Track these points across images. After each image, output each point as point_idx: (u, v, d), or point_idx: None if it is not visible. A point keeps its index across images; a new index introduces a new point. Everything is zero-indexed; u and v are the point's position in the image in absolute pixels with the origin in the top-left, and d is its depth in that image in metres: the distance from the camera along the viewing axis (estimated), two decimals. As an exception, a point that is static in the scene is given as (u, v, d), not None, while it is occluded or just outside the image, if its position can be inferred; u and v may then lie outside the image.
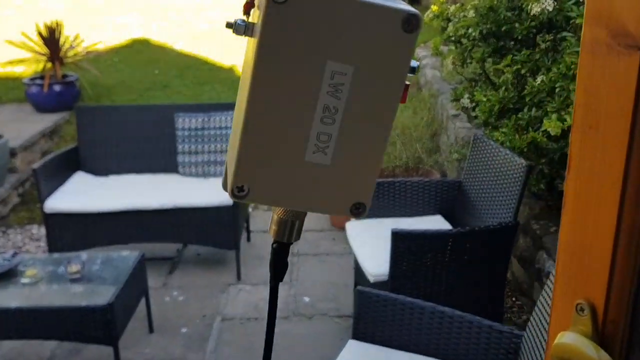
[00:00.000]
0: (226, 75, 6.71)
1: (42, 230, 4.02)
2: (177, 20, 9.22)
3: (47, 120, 5.28)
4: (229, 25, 0.47)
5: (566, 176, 0.48)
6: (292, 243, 0.51)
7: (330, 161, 0.45)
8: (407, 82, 0.45)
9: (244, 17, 0.48)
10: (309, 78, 0.43)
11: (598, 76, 0.43)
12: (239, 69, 6.85)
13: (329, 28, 0.42)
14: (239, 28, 0.46)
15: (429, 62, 5.80)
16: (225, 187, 0.50)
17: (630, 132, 0.42)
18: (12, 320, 2.51)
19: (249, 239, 4.03)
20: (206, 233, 3.49)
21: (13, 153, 4.65)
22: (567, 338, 0.46)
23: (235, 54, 7.42)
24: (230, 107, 3.88)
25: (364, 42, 0.42)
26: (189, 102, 5.86)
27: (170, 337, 3.01)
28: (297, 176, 0.45)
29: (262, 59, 0.42)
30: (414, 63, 0.45)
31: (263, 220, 4.31)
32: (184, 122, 3.79)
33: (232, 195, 0.46)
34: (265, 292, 3.45)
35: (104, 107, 4.76)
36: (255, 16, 0.45)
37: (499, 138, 2.66)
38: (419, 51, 6.87)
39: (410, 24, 0.42)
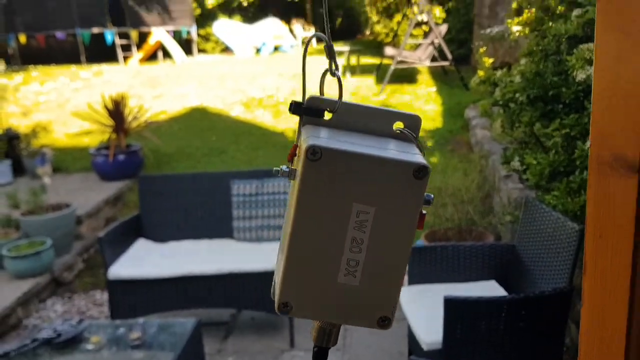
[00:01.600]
0: (278, 139, 6.93)
1: (105, 296, 4.18)
2: (232, 88, 9.67)
3: (111, 188, 5.58)
4: (275, 171, 0.57)
5: (583, 276, 0.52)
6: (330, 347, 0.58)
7: (359, 282, 0.53)
8: (424, 212, 0.52)
9: (289, 165, 0.57)
10: (339, 216, 0.52)
11: (603, 192, 0.48)
12: (289, 133, 7.07)
13: (354, 178, 0.51)
14: (284, 173, 0.56)
15: (479, 122, 5.82)
16: (273, 295, 0.57)
17: (633, 242, 0.46)
18: (76, 386, 2.60)
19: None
20: (260, 298, 3.55)
21: (79, 221, 4.92)
22: None
23: (286, 119, 7.69)
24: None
25: (383, 188, 0.51)
26: (244, 166, 6.08)
27: (225, 404, 3.04)
28: (331, 295, 0.53)
29: (301, 202, 0.51)
30: (428, 197, 0.52)
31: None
32: (239, 189, 3.94)
33: (279, 309, 0.53)
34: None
35: (164, 176, 4.99)
36: (296, 163, 0.54)
37: (551, 201, 2.64)
38: (469, 111, 6.91)
39: (420, 172, 0.51)
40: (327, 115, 0.59)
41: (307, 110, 0.57)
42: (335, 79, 0.59)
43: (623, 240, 0.47)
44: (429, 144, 6.60)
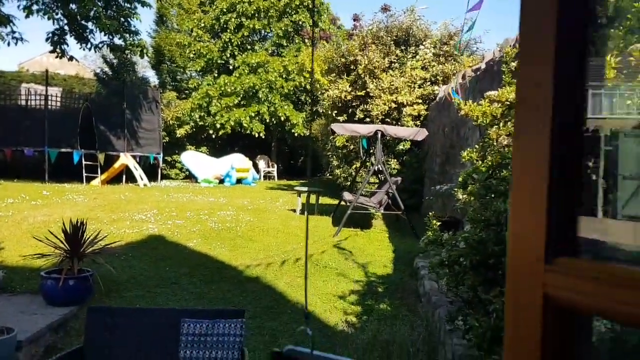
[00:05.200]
0: (232, 273, 6.97)
1: None
2: (192, 218, 9.80)
3: (56, 314, 5.41)
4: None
5: None
6: None
7: None
8: None
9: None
10: None
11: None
12: (244, 268, 7.14)
13: None
14: None
15: (427, 273, 6.05)
16: None
17: None
18: None
19: None
20: None
21: (19, 347, 4.71)
22: None
23: (242, 254, 7.78)
24: (235, 314, 4.04)
25: None
26: (195, 300, 6.03)
27: None
28: None
29: None
30: None
31: None
32: (189, 328, 3.93)
33: None
34: None
35: (114, 308, 4.92)
36: None
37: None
38: (418, 260, 7.19)
39: None
40: None
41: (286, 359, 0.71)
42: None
43: None
44: (380, 289, 6.76)
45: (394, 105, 12.09)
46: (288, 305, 6.34)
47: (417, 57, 12.58)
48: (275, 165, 22.43)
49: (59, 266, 5.88)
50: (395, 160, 12.49)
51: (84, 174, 14.99)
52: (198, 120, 20.89)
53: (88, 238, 6.04)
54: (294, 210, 11.47)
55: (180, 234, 8.56)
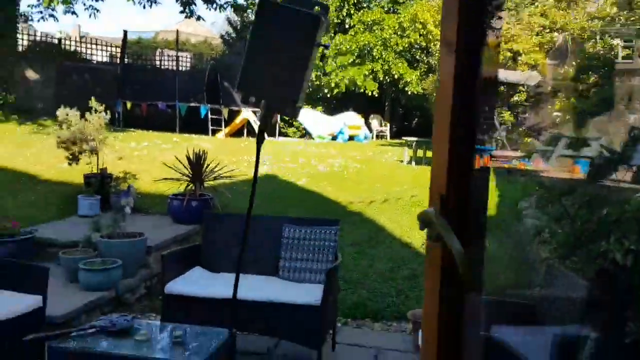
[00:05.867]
0: (336, 208, 7.38)
1: (159, 320, 4.61)
2: (303, 163, 10.35)
3: (181, 230, 6.17)
4: None
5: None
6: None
7: None
8: None
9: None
10: None
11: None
12: (347, 203, 7.51)
13: None
14: None
15: (530, 212, 6.02)
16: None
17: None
18: (122, 366, 2.99)
19: (333, 349, 4.30)
20: (294, 329, 3.86)
21: (148, 251, 5.47)
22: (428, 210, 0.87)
23: (347, 192, 8.16)
24: (331, 223, 4.42)
25: None
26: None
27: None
28: None
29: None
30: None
31: (349, 335, 4.59)
32: (290, 232, 4.37)
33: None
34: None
35: (226, 214, 5.53)
36: None
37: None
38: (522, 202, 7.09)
39: None
40: None
41: None
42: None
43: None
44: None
45: (508, 54, 11.69)
46: (387, 237, 6.63)
47: (536, 3, 12.01)
48: (388, 125, 22.53)
49: (184, 191, 6.64)
50: (509, 112, 12.13)
51: (210, 127, 16.17)
52: (314, 79, 21.50)
53: (209, 167, 6.72)
54: (402, 161, 11.64)
55: (291, 174, 9.12)
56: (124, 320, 3.35)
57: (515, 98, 11.98)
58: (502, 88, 10.09)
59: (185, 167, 6.58)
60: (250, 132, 17.23)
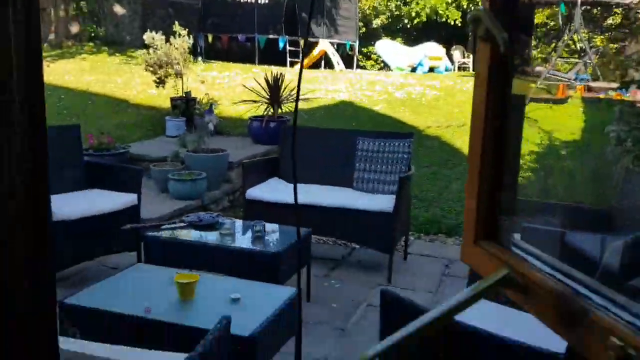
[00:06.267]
0: (411, 131, 7.37)
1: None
2: (380, 90, 10.30)
3: (261, 149, 6.42)
4: None
5: None
6: None
7: None
8: None
9: None
10: None
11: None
12: (424, 127, 7.48)
13: None
14: None
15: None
16: None
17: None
18: (209, 254, 3.28)
19: (405, 258, 4.45)
20: (367, 235, 4.02)
21: (230, 167, 5.77)
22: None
23: (424, 117, 8.09)
24: (405, 136, 4.47)
25: None
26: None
27: (321, 307, 3.54)
28: None
29: None
30: None
31: (422, 248, 4.71)
32: (364, 144, 4.46)
33: None
34: (409, 296, 3.82)
35: (304, 128, 5.68)
36: None
37: None
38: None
39: None
40: None
41: None
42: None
43: None
44: (562, 152, 6.60)
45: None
46: (463, 159, 6.59)
47: None
48: (471, 57, 21.67)
49: (263, 114, 6.85)
50: (602, 36, 11.31)
51: (288, 59, 16.29)
52: (394, 9, 20.90)
53: (286, 90, 6.87)
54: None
55: (368, 101, 9.13)
56: (210, 217, 3.64)
57: (609, 21, 11.12)
58: (595, 11, 9.41)
59: (264, 89, 6.76)
60: (328, 64, 17.20)
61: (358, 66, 19.67)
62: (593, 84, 9.09)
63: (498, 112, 0.87)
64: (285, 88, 6.78)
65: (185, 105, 7.09)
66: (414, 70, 18.30)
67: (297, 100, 0.96)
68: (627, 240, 2.87)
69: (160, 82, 7.30)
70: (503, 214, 0.90)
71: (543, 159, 6.11)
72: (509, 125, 0.89)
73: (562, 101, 9.86)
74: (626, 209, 3.08)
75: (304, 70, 15.84)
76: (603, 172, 4.59)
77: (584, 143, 6.95)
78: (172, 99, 7.34)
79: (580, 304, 0.64)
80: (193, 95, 7.60)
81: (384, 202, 4.06)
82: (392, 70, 18.25)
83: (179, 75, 7.23)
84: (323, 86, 10.57)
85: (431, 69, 18.38)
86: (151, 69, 7.23)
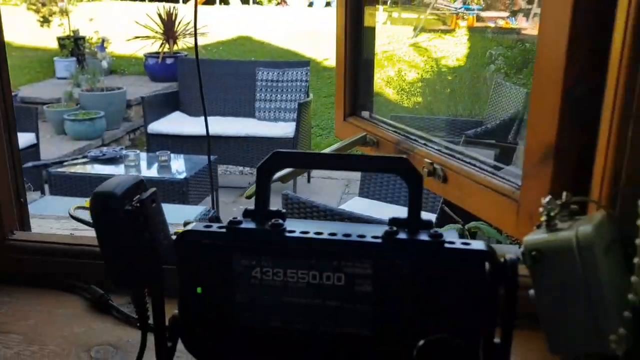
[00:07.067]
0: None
1: (145, 158, 4.95)
2: (277, 25, 10.29)
3: (158, 87, 6.34)
4: None
5: None
6: None
7: None
8: None
9: None
10: None
11: None
12: (322, 60, 7.67)
13: None
14: None
15: None
16: None
17: None
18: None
19: (309, 181, 4.72)
20: (270, 160, 4.22)
21: (129, 105, 5.70)
22: None
23: (321, 49, 8.26)
24: (300, 65, 4.65)
25: None
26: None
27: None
28: None
29: None
30: None
31: (324, 172, 5.00)
32: (263, 75, 4.60)
33: None
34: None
35: (205, 60, 5.67)
36: None
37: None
38: None
39: None
40: None
41: None
42: None
43: None
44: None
45: None
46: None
47: None
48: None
49: (157, 52, 6.71)
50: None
51: (181, -4, 15.68)
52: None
53: (180, 24, 6.74)
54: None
55: (266, 35, 9.13)
56: (113, 151, 3.68)
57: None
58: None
59: (158, 25, 6.60)
60: (223, 1, 16.73)
61: (254, 2, 19.29)
62: (483, 14, 9.63)
63: (354, 28, 1.08)
64: (179, 23, 6.66)
65: (74, 45, 6.78)
66: (310, 5, 18.25)
67: (195, 33, 1.07)
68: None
69: (45, 20, 6.90)
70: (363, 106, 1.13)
71: (433, 84, 6.54)
72: (364, 39, 1.10)
73: (451, 31, 10.37)
74: (494, 117, 3.49)
75: (199, 6, 15.25)
76: (481, 89, 5.05)
77: (467, 68, 7.48)
78: (59, 39, 6.98)
79: (409, 144, 0.89)
80: (82, 34, 7.26)
81: (285, 129, 4.27)
82: (288, 5, 18.09)
83: (64, 12, 6.86)
84: (220, 21, 10.37)
85: (328, 4, 18.41)
86: (34, 7, 6.79)
